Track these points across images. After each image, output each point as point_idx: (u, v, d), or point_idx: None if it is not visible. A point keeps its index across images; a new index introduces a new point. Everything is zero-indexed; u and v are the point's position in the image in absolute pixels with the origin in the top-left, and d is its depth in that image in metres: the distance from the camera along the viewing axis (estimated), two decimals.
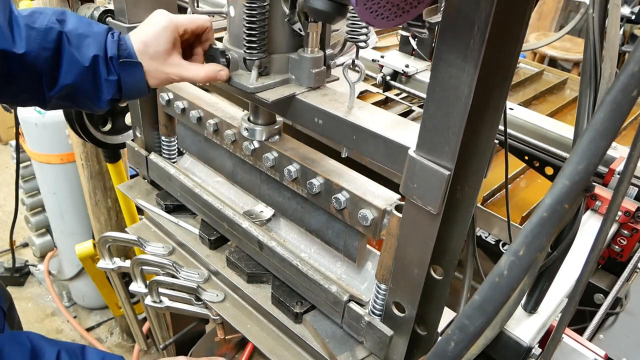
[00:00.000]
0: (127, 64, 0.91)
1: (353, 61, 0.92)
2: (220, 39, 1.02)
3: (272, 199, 1.15)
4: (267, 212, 1.21)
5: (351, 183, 0.94)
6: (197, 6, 1.05)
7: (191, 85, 1.29)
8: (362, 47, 0.89)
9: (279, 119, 1.09)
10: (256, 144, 1.07)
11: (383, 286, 0.94)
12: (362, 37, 0.86)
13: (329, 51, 0.96)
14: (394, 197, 0.91)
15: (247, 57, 0.91)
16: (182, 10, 1.33)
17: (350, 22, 0.86)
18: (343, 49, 0.99)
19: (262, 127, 1.06)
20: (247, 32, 0.87)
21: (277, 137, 1.08)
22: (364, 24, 0.85)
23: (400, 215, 0.83)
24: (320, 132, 0.92)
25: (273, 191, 1.14)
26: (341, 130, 0.88)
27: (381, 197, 0.91)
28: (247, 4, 0.85)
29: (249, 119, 1.08)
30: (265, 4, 0.86)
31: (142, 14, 1.23)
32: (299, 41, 0.94)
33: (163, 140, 1.40)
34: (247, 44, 0.89)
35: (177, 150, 1.42)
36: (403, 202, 0.83)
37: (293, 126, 1.48)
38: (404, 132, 0.82)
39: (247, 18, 0.86)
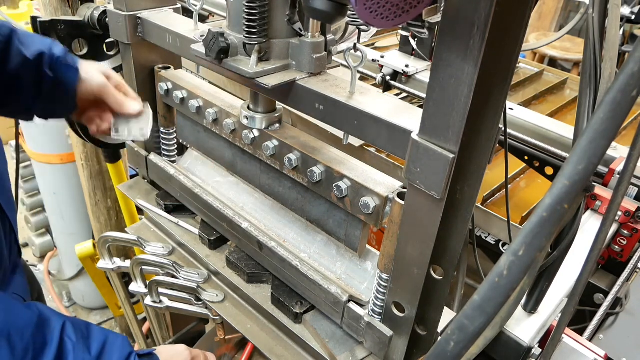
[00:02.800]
0: (67, 66, 1.06)
1: (355, 45, 0.90)
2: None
3: (272, 189, 1.15)
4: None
5: (352, 171, 0.93)
6: None
7: (190, 75, 1.29)
8: (364, 31, 0.88)
9: (279, 107, 1.08)
10: (256, 133, 1.07)
11: (385, 276, 0.93)
12: None
13: (330, 37, 0.94)
14: (396, 184, 0.90)
15: (247, 42, 0.90)
16: (185, 11, 1.34)
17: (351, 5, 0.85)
18: (344, 35, 0.97)
19: (262, 115, 1.05)
20: (247, 16, 0.86)
21: (277, 125, 1.07)
22: None
23: (402, 202, 0.82)
24: (321, 118, 0.91)
25: (273, 181, 1.14)
26: (342, 115, 0.87)
27: (383, 184, 0.90)
28: None
29: (248, 107, 1.07)
30: None
31: (141, 1, 1.23)
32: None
33: (162, 132, 1.39)
34: (247, 29, 0.87)
35: (176, 143, 1.42)
36: (405, 190, 0.82)
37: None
38: (407, 116, 0.81)
39: (246, 3, 0.85)
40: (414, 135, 0.73)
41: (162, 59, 1.34)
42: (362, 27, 0.87)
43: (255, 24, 0.87)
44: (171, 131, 1.39)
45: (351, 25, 0.87)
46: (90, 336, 0.90)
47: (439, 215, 0.76)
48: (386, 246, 0.90)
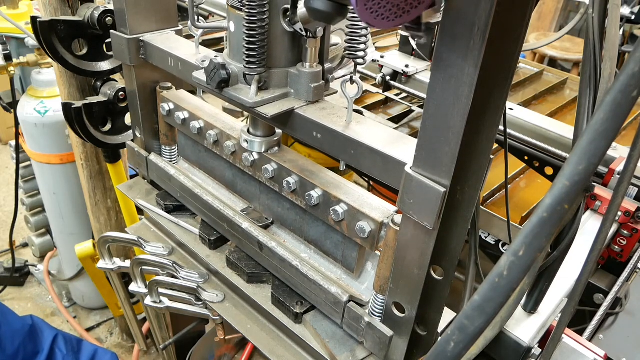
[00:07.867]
0: None
1: (351, 77, 0.92)
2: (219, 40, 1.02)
3: (272, 209, 1.16)
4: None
5: (349, 195, 0.95)
6: (197, 20, 1.06)
7: (192, 96, 1.30)
8: (360, 64, 0.90)
9: (278, 130, 1.10)
10: (255, 156, 1.08)
11: (381, 297, 0.95)
12: (360, 54, 0.87)
13: (327, 65, 0.96)
14: (391, 209, 0.92)
15: (247, 72, 0.92)
16: (182, 10, 1.34)
17: (348, 37, 0.87)
18: (342, 62, 0.99)
19: (262, 139, 1.06)
20: (246, 47, 0.88)
21: (276, 148, 1.09)
22: (362, 40, 0.86)
23: (397, 228, 0.84)
24: (319, 146, 0.93)
25: (272, 202, 1.15)
26: (339, 144, 0.89)
27: (378, 209, 0.92)
28: (247, 19, 0.86)
29: (248, 131, 1.08)
30: (264, 17, 0.86)
31: (143, 21, 1.24)
32: (298, 55, 0.95)
33: (164, 149, 1.40)
34: (246, 59, 0.89)
35: (177, 157, 1.43)
36: (400, 215, 0.83)
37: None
38: (401, 147, 0.82)
39: (246, 32, 0.87)
40: (408, 169, 0.74)
41: (165, 79, 1.35)
42: (358, 60, 0.89)
43: (255, 54, 0.89)
44: (173, 148, 1.40)
45: (347, 57, 0.90)
46: (80, 350, 0.93)
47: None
48: (382, 269, 0.91)
